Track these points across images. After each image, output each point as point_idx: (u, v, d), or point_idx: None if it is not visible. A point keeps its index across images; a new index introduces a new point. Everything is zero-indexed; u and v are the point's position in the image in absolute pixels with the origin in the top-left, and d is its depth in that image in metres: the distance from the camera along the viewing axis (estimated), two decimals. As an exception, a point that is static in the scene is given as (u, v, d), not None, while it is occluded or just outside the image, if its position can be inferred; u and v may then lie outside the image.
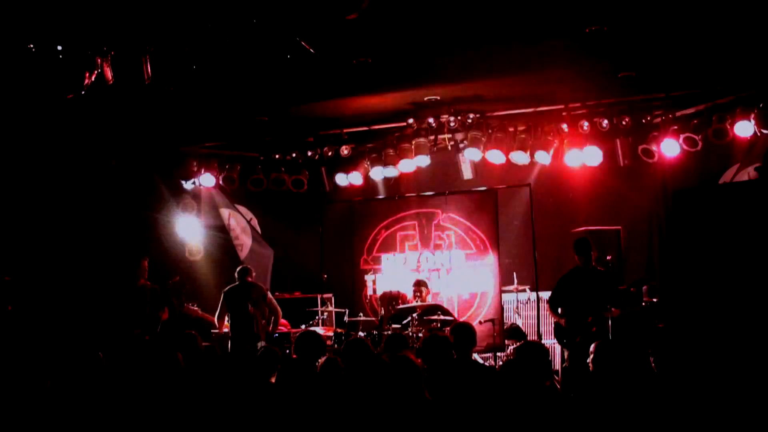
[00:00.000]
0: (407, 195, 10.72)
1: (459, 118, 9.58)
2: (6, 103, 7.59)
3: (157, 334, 8.68)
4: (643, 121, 9.13)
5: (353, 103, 9.11)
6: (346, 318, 9.72)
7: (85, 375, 4.56)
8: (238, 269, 9.20)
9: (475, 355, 8.05)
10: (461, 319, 9.11)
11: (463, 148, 9.94)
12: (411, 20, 6.41)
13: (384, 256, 10.59)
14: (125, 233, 10.20)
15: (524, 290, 9.90)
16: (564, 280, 8.45)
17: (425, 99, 9.13)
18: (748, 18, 6.56)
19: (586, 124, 9.24)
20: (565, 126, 9.41)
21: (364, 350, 5.67)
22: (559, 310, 8.34)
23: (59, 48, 5.89)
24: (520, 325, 9.75)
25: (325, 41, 6.44)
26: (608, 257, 7.94)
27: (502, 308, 9.84)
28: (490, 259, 10.06)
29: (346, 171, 10.48)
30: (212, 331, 9.25)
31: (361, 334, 8.92)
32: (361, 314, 9.99)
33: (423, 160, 9.98)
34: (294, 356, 5.95)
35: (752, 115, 8.45)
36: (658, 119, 9.11)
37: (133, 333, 8.72)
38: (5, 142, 8.81)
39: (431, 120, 9.69)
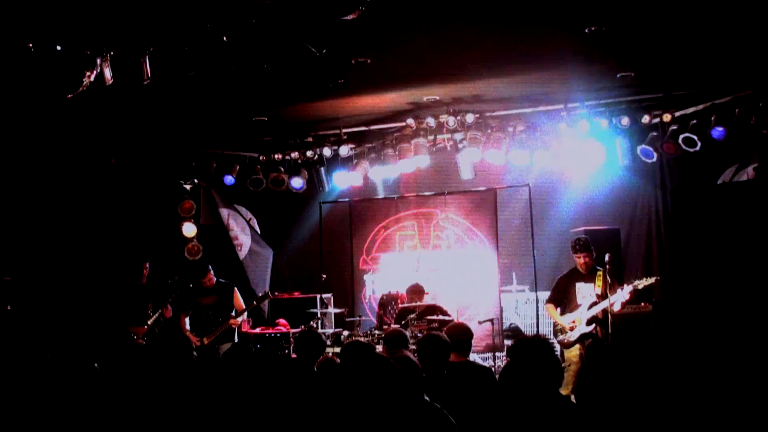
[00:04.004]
0: (406, 195, 10.73)
1: (458, 118, 9.58)
2: (6, 103, 7.60)
3: (155, 333, 8.70)
4: (642, 121, 9.13)
5: (352, 103, 9.11)
6: (345, 318, 9.73)
7: (83, 376, 4.57)
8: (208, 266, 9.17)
9: (474, 356, 8.06)
10: (460, 320, 9.11)
11: (463, 148, 9.95)
12: (410, 20, 6.41)
13: (383, 256, 10.59)
14: (125, 233, 10.23)
15: (523, 290, 9.90)
16: (563, 280, 8.46)
17: (424, 99, 9.14)
18: (747, 17, 6.57)
19: (585, 124, 9.25)
20: (564, 126, 9.41)
21: (364, 352, 5.66)
22: (558, 310, 8.36)
23: (58, 48, 5.90)
24: (520, 326, 9.76)
25: (325, 41, 6.44)
26: (607, 257, 7.94)
27: (501, 308, 9.85)
28: (489, 259, 10.06)
29: (346, 171, 10.49)
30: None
31: (360, 334, 8.92)
32: (361, 315, 9.99)
33: (422, 160, 9.99)
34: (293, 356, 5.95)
35: (751, 115, 8.45)
36: (657, 119, 9.12)
37: (136, 332, 8.74)
38: (5, 142, 8.83)
39: (430, 120, 9.69)
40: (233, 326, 8.86)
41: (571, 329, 8.12)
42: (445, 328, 6.03)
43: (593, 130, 9.24)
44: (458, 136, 9.95)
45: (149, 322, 8.73)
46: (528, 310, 10.00)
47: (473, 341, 5.84)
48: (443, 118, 9.60)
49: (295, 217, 11.56)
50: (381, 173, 10.33)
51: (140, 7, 5.77)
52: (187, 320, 8.87)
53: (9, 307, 8.71)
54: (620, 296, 7.83)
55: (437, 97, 9.09)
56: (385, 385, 3.66)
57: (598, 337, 7.89)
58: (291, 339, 9.35)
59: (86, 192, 10.00)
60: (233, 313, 8.86)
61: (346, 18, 5.32)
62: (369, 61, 7.38)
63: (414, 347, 7.41)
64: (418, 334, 8.05)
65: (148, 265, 9.16)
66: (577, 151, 9.38)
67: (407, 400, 3.69)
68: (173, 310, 8.84)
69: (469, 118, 9.55)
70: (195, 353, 4.99)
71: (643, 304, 8.14)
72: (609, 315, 7.78)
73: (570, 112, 9.39)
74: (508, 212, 10.37)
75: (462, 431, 3.72)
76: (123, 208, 10.34)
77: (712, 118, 8.70)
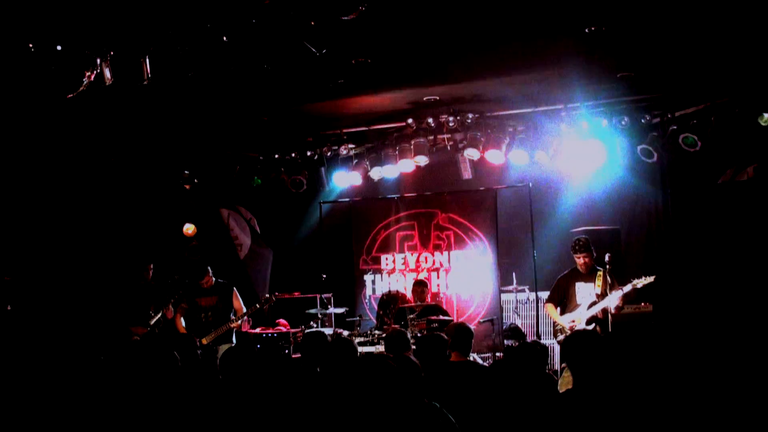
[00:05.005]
0: (406, 195, 10.73)
1: (458, 118, 9.58)
2: (6, 103, 7.60)
3: (155, 333, 8.71)
4: (642, 121, 9.13)
5: (352, 103, 9.10)
6: (345, 318, 9.73)
7: (84, 375, 4.57)
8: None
9: (475, 356, 8.07)
10: (460, 320, 9.12)
11: (463, 147, 9.95)
12: (410, 20, 6.41)
13: (383, 257, 10.59)
14: (125, 233, 10.24)
15: (523, 290, 9.90)
16: (562, 280, 8.46)
17: (424, 99, 9.13)
18: (747, 17, 6.57)
19: (585, 124, 9.24)
20: (564, 126, 9.41)
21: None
22: (558, 309, 8.36)
23: (59, 48, 5.90)
24: (520, 326, 9.76)
25: (325, 41, 6.44)
26: (607, 257, 7.94)
27: (501, 308, 9.85)
28: (490, 259, 10.07)
29: (346, 171, 10.48)
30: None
31: (360, 334, 8.93)
32: (361, 315, 10.00)
33: (422, 160, 9.99)
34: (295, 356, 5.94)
35: (751, 115, 8.45)
36: (657, 119, 9.12)
37: (138, 332, 8.74)
38: (5, 142, 8.83)
39: (430, 120, 9.68)
40: (233, 328, 8.85)
41: (571, 329, 8.12)
42: (446, 328, 6.04)
43: (593, 130, 9.23)
44: (458, 135, 9.95)
45: (151, 323, 8.74)
46: (528, 310, 10.00)
47: (473, 341, 5.84)
48: (443, 117, 9.61)
49: (295, 217, 11.55)
50: (381, 173, 10.33)
51: (140, 7, 5.77)
52: (182, 319, 8.85)
53: (9, 307, 8.72)
54: (620, 295, 7.83)
55: (437, 97, 9.08)
56: (384, 384, 3.66)
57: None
58: (291, 339, 9.35)
59: (86, 192, 10.00)
60: (233, 315, 8.84)
61: (346, 18, 5.33)
62: (369, 61, 7.38)
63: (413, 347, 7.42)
64: (418, 334, 8.06)
65: (152, 266, 9.19)
66: (577, 151, 9.38)
67: (407, 400, 3.69)
68: (174, 311, 8.85)
69: (469, 117, 9.55)
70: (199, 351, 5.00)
71: (643, 304, 8.14)
72: (609, 315, 7.79)
73: (570, 112, 9.38)
74: (508, 212, 10.37)
75: (462, 431, 3.73)
76: (123, 208, 10.34)
77: (712, 119, 8.70)
